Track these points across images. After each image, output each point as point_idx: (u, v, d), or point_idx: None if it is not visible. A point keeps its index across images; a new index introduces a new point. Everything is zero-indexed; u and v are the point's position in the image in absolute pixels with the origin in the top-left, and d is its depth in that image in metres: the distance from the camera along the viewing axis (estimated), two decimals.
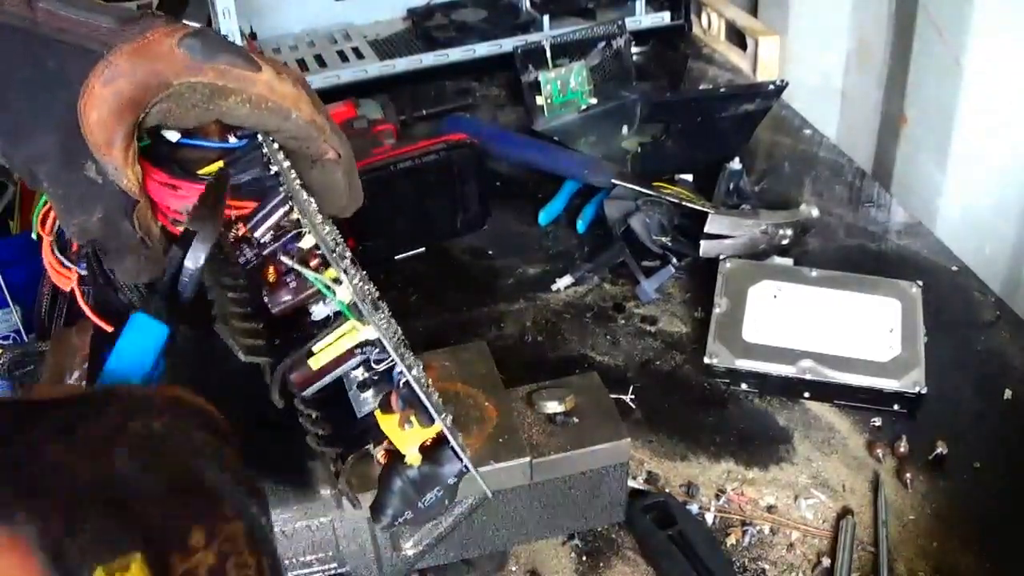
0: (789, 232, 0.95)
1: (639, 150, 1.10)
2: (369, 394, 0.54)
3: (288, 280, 0.52)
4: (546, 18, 1.33)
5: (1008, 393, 0.81)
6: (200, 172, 0.53)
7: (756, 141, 1.15)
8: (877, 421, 0.79)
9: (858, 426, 0.79)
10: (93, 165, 0.47)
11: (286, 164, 0.53)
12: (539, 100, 1.19)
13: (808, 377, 0.79)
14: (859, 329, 0.82)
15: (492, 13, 1.36)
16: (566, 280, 0.95)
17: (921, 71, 1.15)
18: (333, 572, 0.63)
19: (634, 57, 1.28)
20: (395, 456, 0.53)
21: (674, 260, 0.95)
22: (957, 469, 0.74)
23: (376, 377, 0.53)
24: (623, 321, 0.91)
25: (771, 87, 1.11)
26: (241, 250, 0.54)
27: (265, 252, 0.53)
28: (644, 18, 1.37)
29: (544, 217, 1.05)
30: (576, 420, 0.63)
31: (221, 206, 0.50)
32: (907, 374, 0.78)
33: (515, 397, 0.65)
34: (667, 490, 0.73)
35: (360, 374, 0.53)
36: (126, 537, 0.33)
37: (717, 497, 0.73)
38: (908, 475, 0.73)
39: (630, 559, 0.69)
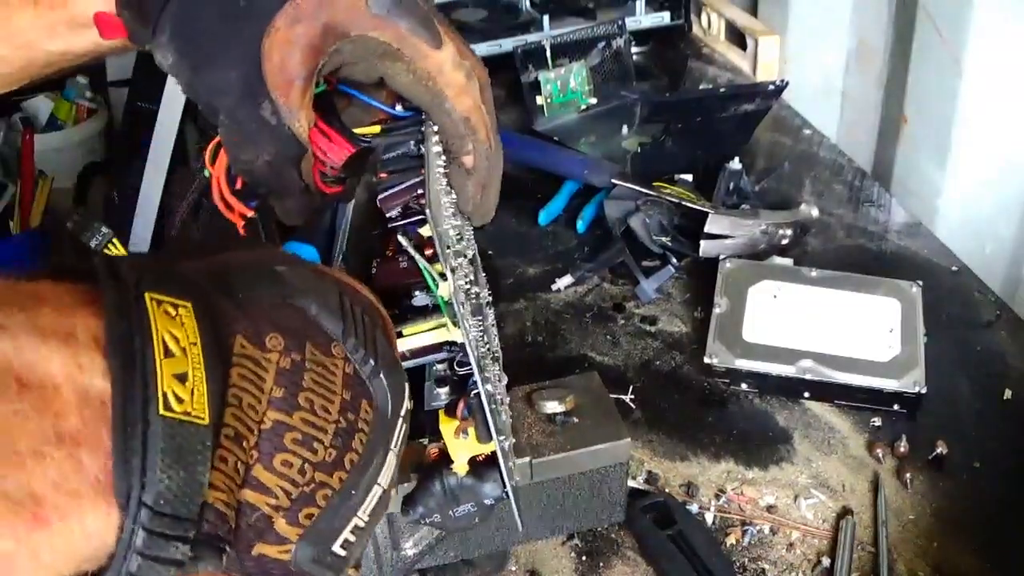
0: (789, 232, 0.96)
1: (639, 150, 1.10)
2: (443, 391, 0.54)
3: (401, 260, 0.51)
4: (546, 18, 1.33)
5: (1008, 393, 0.81)
6: (357, 131, 0.53)
7: (756, 141, 1.15)
8: (877, 421, 0.79)
9: (858, 426, 0.79)
10: (269, 105, 0.47)
11: (436, 149, 0.52)
12: (539, 100, 1.19)
13: (808, 377, 0.79)
14: (859, 329, 0.82)
15: (492, 13, 1.36)
16: (566, 280, 0.95)
17: (921, 71, 1.15)
18: None
19: (634, 57, 1.28)
20: (444, 458, 0.54)
21: (674, 260, 0.95)
22: (957, 469, 0.74)
23: (456, 378, 0.53)
24: (623, 321, 0.91)
25: (771, 87, 1.11)
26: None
27: (390, 226, 0.53)
28: (644, 18, 1.37)
29: (544, 217, 1.05)
30: (576, 420, 0.63)
31: (359, 176, 0.50)
32: (907, 374, 0.78)
33: (515, 397, 0.65)
34: (667, 490, 0.73)
35: (442, 369, 0.53)
36: (182, 287, 0.35)
37: (717, 497, 0.73)
38: (908, 475, 0.73)
39: (630, 559, 0.69)
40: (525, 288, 0.96)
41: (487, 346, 0.55)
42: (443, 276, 0.50)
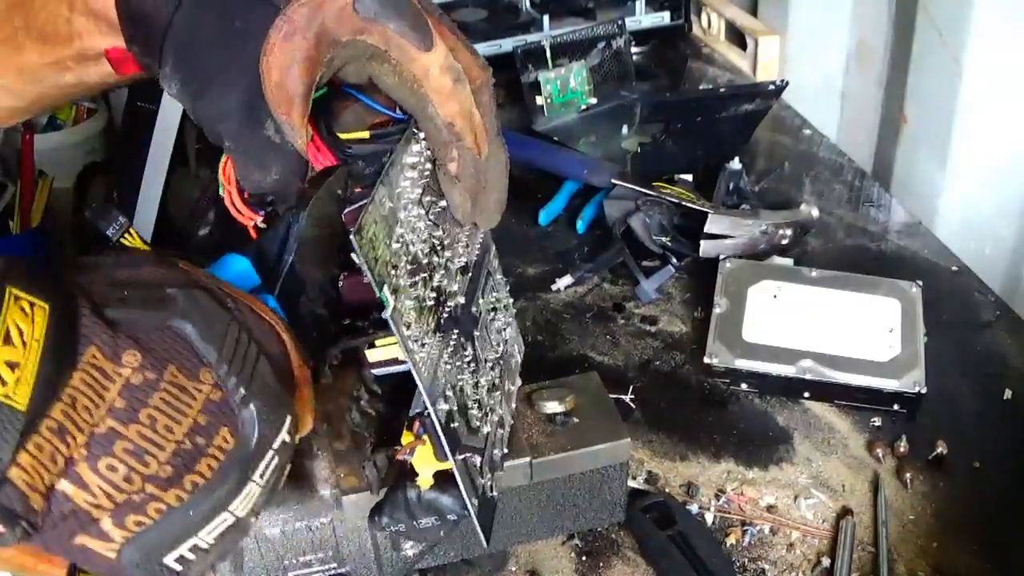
0: (789, 232, 0.95)
1: (639, 150, 1.10)
2: None
3: (364, 275, 0.52)
4: (546, 18, 1.32)
5: (1008, 393, 0.81)
6: (346, 136, 0.53)
7: (756, 141, 1.15)
8: (877, 421, 0.79)
9: (858, 426, 0.79)
10: (272, 124, 0.47)
11: (410, 160, 0.51)
12: (539, 100, 1.19)
13: (808, 377, 0.79)
14: (859, 329, 0.82)
15: (492, 13, 1.36)
16: (566, 280, 0.95)
17: (921, 71, 1.15)
18: (333, 572, 0.63)
19: (634, 57, 1.28)
20: (412, 470, 0.53)
21: (674, 260, 0.95)
22: (957, 469, 0.74)
23: None
24: (623, 321, 0.91)
25: (771, 87, 1.11)
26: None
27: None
28: (644, 18, 1.37)
29: (544, 217, 1.05)
30: (576, 420, 0.63)
31: (321, 181, 0.51)
32: (907, 374, 0.78)
33: (515, 397, 0.65)
34: (667, 490, 0.73)
35: None
36: (46, 289, 0.39)
37: (717, 497, 0.73)
38: (908, 475, 0.73)
39: (630, 559, 0.69)
40: (525, 288, 0.96)
41: (470, 359, 0.54)
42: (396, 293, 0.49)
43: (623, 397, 0.82)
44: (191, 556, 0.41)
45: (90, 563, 0.40)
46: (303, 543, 0.61)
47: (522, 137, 1.13)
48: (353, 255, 0.46)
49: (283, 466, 0.43)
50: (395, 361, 0.53)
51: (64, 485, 0.39)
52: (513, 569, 0.68)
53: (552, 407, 0.64)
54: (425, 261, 0.51)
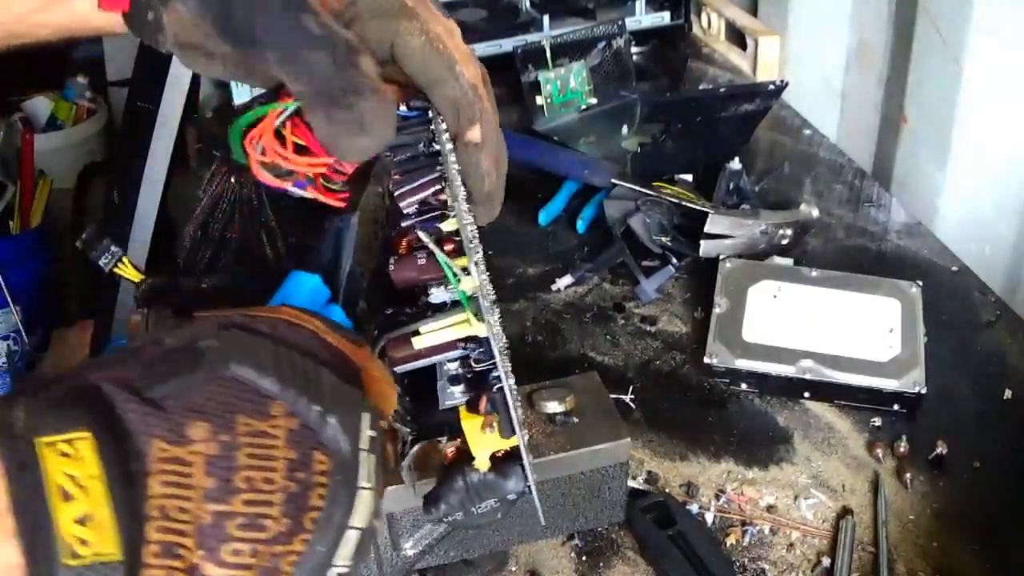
0: (789, 232, 0.96)
1: (639, 150, 1.10)
2: (457, 389, 0.54)
3: (418, 256, 0.51)
4: (546, 18, 1.32)
5: (1008, 393, 0.81)
6: None
7: (756, 141, 1.15)
8: (877, 421, 0.79)
9: (858, 426, 0.79)
10: (311, 16, 0.46)
11: (449, 146, 0.52)
12: (539, 100, 1.19)
13: (808, 377, 0.79)
14: (859, 329, 0.82)
15: (492, 13, 1.35)
16: (566, 280, 0.95)
17: (921, 71, 1.15)
18: None
19: (634, 57, 1.28)
20: (464, 456, 0.54)
21: (674, 260, 0.95)
22: (957, 469, 0.74)
23: (470, 375, 0.53)
24: (623, 321, 0.91)
25: (771, 87, 1.11)
26: (388, 216, 0.54)
27: (406, 224, 0.53)
28: (644, 18, 1.37)
29: (544, 217, 1.05)
30: (576, 420, 0.63)
31: (364, 183, 0.50)
32: (907, 374, 0.78)
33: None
34: (667, 490, 0.73)
35: (455, 368, 0.53)
36: (81, 413, 0.35)
37: (717, 497, 0.73)
38: (908, 475, 0.73)
39: (630, 559, 0.69)
40: (525, 288, 0.96)
41: (503, 341, 0.55)
42: (465, 271, 0.50)
43: (623, 397, 0.82)
44: None
45: None
46: None
47: (522, 137, 1.13)
48: (421, 233, 0.48)
49: (379, 460, 0.42)
50: (442, 348, 0.52)
51: None
52: (513, 569, 0.68)
53: (552, 407, 0.64)
54: (475, 243, 0.52)
